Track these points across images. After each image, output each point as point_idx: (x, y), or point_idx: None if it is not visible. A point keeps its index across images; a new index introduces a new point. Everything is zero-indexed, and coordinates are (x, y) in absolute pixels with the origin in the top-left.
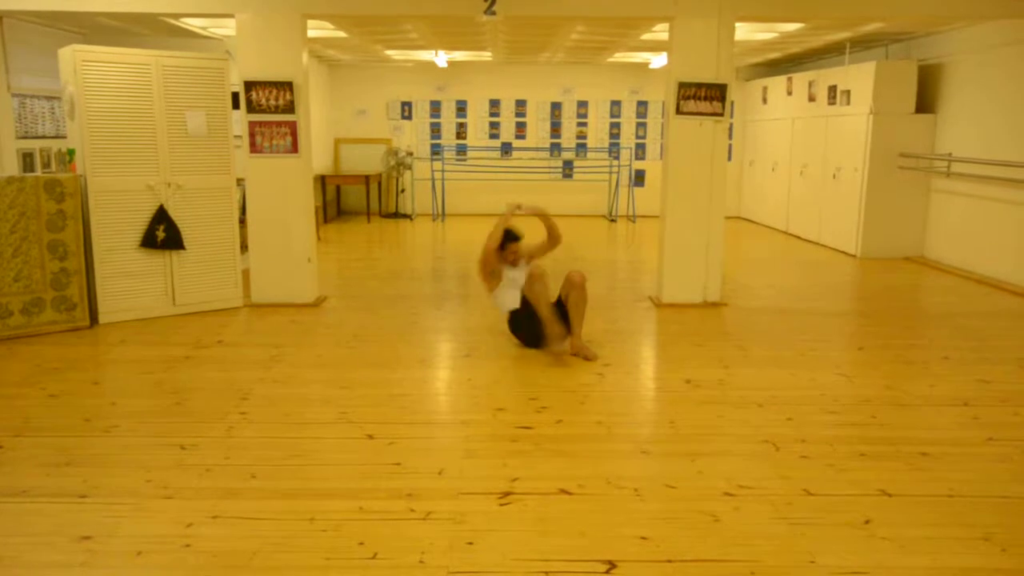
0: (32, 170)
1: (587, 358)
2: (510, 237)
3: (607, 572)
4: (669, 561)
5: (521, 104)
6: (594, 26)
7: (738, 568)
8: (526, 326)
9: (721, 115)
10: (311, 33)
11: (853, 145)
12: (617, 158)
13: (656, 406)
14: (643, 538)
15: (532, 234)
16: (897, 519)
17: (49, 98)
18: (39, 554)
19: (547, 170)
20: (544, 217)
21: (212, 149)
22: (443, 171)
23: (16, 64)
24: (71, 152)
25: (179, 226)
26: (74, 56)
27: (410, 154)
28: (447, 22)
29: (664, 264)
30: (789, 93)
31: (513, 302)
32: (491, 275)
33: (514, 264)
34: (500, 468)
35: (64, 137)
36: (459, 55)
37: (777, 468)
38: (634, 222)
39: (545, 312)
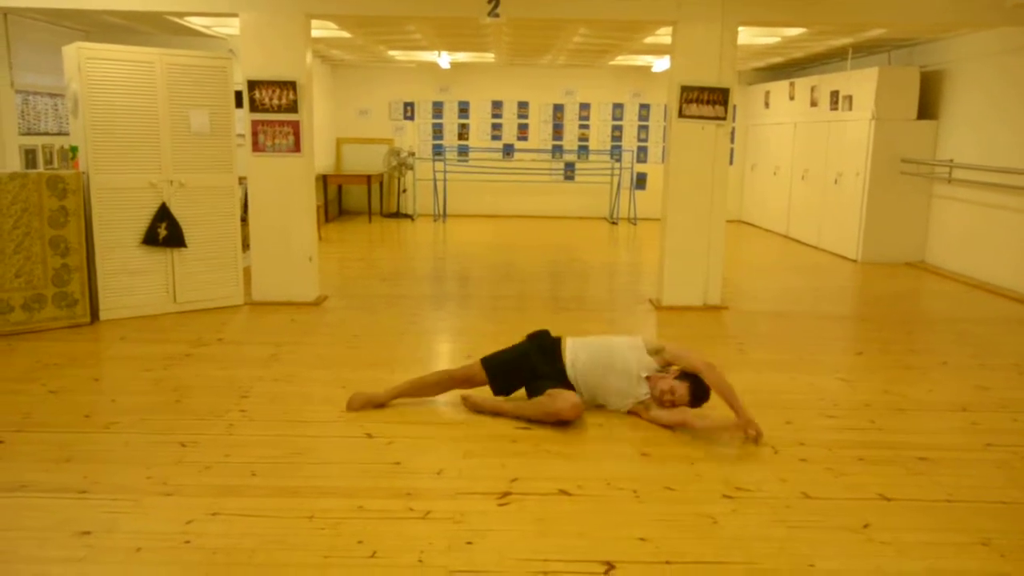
0: (35, 167)
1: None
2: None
3: (606, 573)
4: (668, 563)
5: (523, 106)
6: (597, 29)
7: (736, 570)
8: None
9: (723, 119)
10: (315, 33)
11: (855, 150)
12: (619, 160)
13: None
14: (642, 539)
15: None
16: (896, 523)
17: (52, 95)
18: (38, 549)
19: (549, 172)
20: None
21: (215, 147)
22: (445, 172)
23: (20, 61)
24: (74, 149)
25: (181, 224)
26: (78, 53)
27: (412, 154)
28: (451, 23)
29: (665, 267)
30: (791, 98)
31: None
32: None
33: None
34: (499, 468)
35: (67, 134)
36: (462, 56)
37: (776, 471)
38: (635, 225)
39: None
